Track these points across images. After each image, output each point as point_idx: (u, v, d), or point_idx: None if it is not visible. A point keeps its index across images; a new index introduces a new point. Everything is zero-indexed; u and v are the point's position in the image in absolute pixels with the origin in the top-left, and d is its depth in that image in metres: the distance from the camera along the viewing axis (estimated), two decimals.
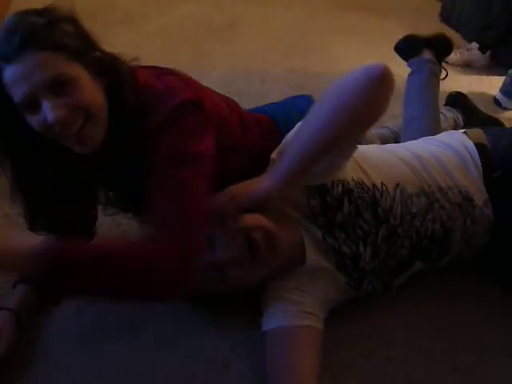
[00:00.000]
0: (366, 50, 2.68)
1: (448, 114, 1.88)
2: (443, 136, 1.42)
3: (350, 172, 1.22)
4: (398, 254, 1.24)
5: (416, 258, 1.26)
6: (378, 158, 1.29)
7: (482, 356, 1.21)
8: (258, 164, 1.21)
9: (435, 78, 1.85)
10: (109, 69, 1.04)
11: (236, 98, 1.36)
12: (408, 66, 1.89)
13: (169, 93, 1.05)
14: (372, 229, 1.21)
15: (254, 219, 1.16)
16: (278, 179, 1.10)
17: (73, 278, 0.92)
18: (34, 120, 0.99)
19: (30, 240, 0.94)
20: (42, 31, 0.95)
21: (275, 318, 1.15)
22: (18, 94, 0.96)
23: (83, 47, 1.01)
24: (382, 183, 1.22)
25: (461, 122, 1.87)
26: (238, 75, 2.25)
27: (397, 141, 1.74)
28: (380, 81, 1.03)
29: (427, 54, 1.86)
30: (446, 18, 3.10)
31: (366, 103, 1.04)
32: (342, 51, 2.62)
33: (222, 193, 1.11)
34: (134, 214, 1.36)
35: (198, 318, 1.26)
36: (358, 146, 1.26)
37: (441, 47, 1.89)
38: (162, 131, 1.02)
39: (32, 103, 0.97)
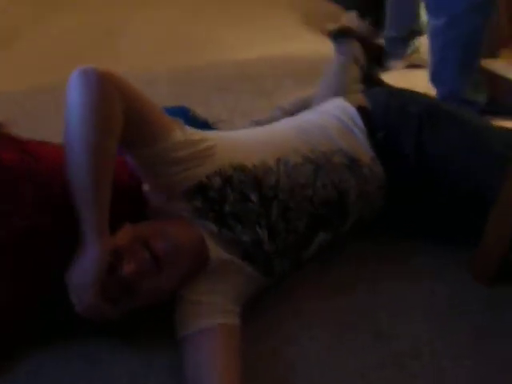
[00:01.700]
0: (253, 36, 2.67)
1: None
2: (324, 106, 1.43)
3: (225, 159, 1.17)
4: (297, 228, 1.22)
5: (317, 228, 1.26)
6: (253, 139, 1.27)
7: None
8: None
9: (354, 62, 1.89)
10: None
11: None
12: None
13: None
14: (262, 210, 1.18)
15: (146, 226, 1.13)
16: (93, 240, 1.01)
17: None
18: None
19: None
20: None
21: (187, 324, 1.11)
22: None
23: None
24: (261, 161, 1.19)
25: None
26: None
27: None
28: (82, 82, 1.00)
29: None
30: None
31: (91, 115, 1.00)
32: (229, 41, 2.60)
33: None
34: None
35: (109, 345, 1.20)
36: (228, 132, 1.27)
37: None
38: None
39: None
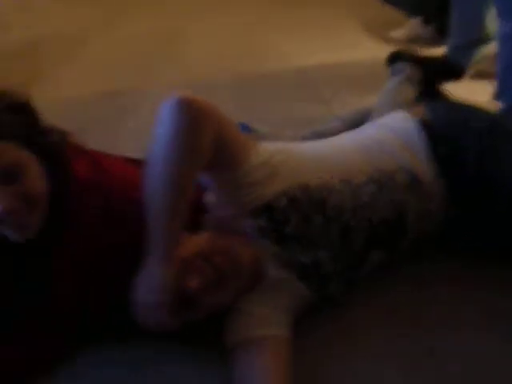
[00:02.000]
0: (312, 43, 2.68)
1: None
2: (384, 120, 1.41)
3: (291, 178, 1.16)
4: (354, 247, 1.21)
5: (373, 246, 1.24)
6: (318, 156, 1.25)
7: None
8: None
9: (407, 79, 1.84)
10: (53, 158, 1.05)
11: None
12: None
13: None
14: (324, 231, 1.17)
15: (211, 241, 1.14)
16: (161, 264, 1.02)
17: None
18: None
19: None
20: (0, 120, 0.95)
21: (239, 333, 1.12)
22: None
23: (33, 135, 1.01)
24: (326, 181, 1.18)
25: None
26: (182, 89, 2.19)
27: None
28: (179, 110, 1.00)
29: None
30: None
31: (179, 143, 1.00)
32: (289, 49, 2.62)
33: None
34: None
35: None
36: (295, 146, 1.24)
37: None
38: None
39: None
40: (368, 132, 1.33)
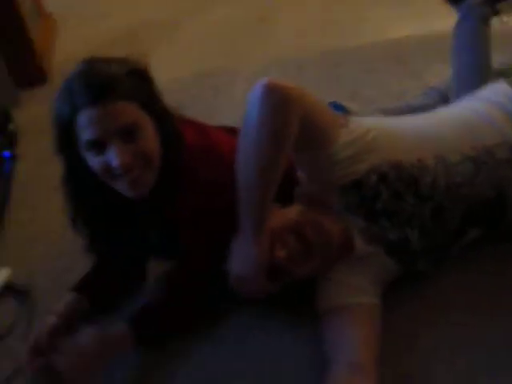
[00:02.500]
0: (400, 11, 2.60)
1: None
2: (486, 92, 1.35)
3: (383, 155, 1.15)
4: (448, 227, 1.19)
5: (469, 226, 1.22)
6: (412, 132, 1.22)
7: None
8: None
9: (485, 23, 1.73)
10: (166, 122, 1.14)
11: None
12: (458, 12, 1.82)
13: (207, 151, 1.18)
14: (416, 209, 1.16)
15: (301, 215, 1.18)
16: (254, 239, 1.08)
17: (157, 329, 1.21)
18: (95, 160, 1.08)
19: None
20: (120, 82, 1.05)
21: (330, 300, 1.17)
22: (89, 134, 1.05)
23: (151, 100, 1.11)
24: (418, 159, 1.16)
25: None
26: (273, 67, 2.26)
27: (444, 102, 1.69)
28: (266, 97, 1.02)
29: None
30: None
31: (267, 130, 1.02)
32: (377, 20, 2.56)
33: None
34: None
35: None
36: (389, 121, 1.23)
37: None
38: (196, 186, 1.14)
39: (99, 144, 1.06)
40: (468, 104, 1.29)
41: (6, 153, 1.90)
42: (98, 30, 2.82)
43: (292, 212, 1.19)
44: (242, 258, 1.10)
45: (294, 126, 1.04)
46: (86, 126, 1.05)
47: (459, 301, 1.24)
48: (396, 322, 1.20)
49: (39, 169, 1.92)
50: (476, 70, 1.62)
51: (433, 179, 1.16)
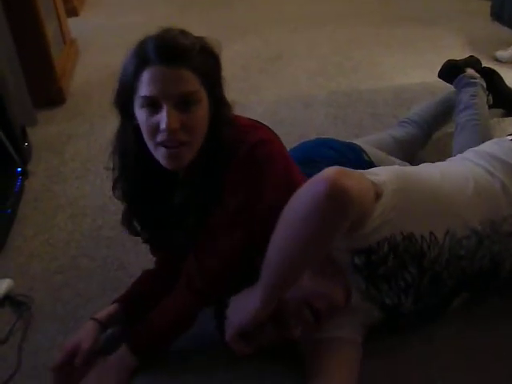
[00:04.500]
0: (413, 60, 2.69)
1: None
2: (493, 148, 1.34)
3: (398, 225, 1.14)
4: (441, 293, 1.21)
5: (460, 291, 1.24)
6: (430, 196, 1.19)
7: None
8: None
9: (482, 90, 1.90)
10: (221, 108, 1.16)
11: (279, 126, 1.40)
12: (454, 87, 1.95)
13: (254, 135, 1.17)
14: (415, 279, 1.17)
15: (313, 286, 1.15)
16: (261, 299, 1.07)
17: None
18: (144, 117, 1.10)
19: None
20: (192, 52, 1.08)
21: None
22: (148, 90, 1.07)
23: (214, 81, 1.14)
24: (430, 233, 1.16)
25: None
26: (282, 104, 2.34)
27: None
28: (326, 199, 0.95)
29: (470, 71, 1.94)
30: (497, 15, 3.03)
31: (314, 228, 0.98)
32: (389, 66, 2.65)
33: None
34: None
35: None
36: (412, 180, 1.20)
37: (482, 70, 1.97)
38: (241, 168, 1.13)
39: (154, 104, 1.08)
40: (478, 170, 1.27)
41: (18, 169, 1.97)
42: (118, 58, 2.91)
43: (304, 280, 1.15)
44: (242, 307, 1.11)
45: (346, 224, 1.01)
46: (148, 82, 1.07)
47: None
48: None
49: (47, 187, 2.00)
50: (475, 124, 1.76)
51: (438, 253, 1.17)
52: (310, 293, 1.13)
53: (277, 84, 2.57)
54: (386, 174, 1.18)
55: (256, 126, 1.21)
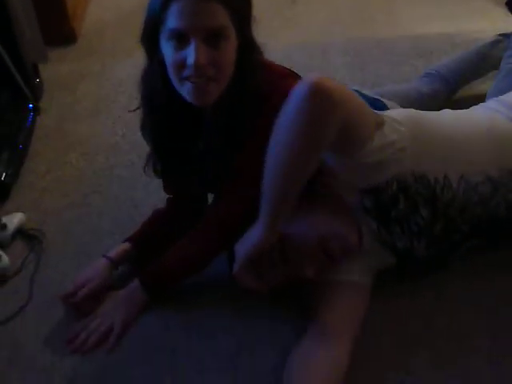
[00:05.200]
0: (433, 11, 2.61)
1: None
2: None
3: (409, 166, 1.14)
4: (453, 238, 1.21)
5: (473, 237, 1.23)
6: (444, 141, 1.18)
7: None
8: None
9: None
10: (249, 47, 1.13)
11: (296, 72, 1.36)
12: None
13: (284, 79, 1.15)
14: (428, 224, 1.17)
15: (328, 228, 1.16)
16: (264, 228, 1.08)
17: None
18: (171, 51, 1.08)
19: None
20: None
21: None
22: (177, 23, 1.04)
23: (245, 20, 1.11)
24: (445, 177, 1.15)
25: None
26: (297, 50, 2.28)
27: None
28: (309, 100, 0.97)
29: None
30: None
31: (301, 128, 0.99)
32: (407, 15, 2.57)
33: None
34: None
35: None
36: (425, 122, 1.19)
37: None
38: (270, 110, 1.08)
39: (182, 37, 1.06)
40: (505, 116, 1.25)
41: (30, 105, 1.95)
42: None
43: (319, 219, 1.17)
44: (247, 238, 1.12)
45: (333, 129, 1.01)
46: (176, 15, 1.04)
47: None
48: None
49: (59, 124, 1.98)
50: None
51: (452, 197, 1.16)
52: (324, 232, 1.14)
53: (293, 29, 2.51)
54: (398, 113, 1.18)
55: (293, 75, 1.20)
